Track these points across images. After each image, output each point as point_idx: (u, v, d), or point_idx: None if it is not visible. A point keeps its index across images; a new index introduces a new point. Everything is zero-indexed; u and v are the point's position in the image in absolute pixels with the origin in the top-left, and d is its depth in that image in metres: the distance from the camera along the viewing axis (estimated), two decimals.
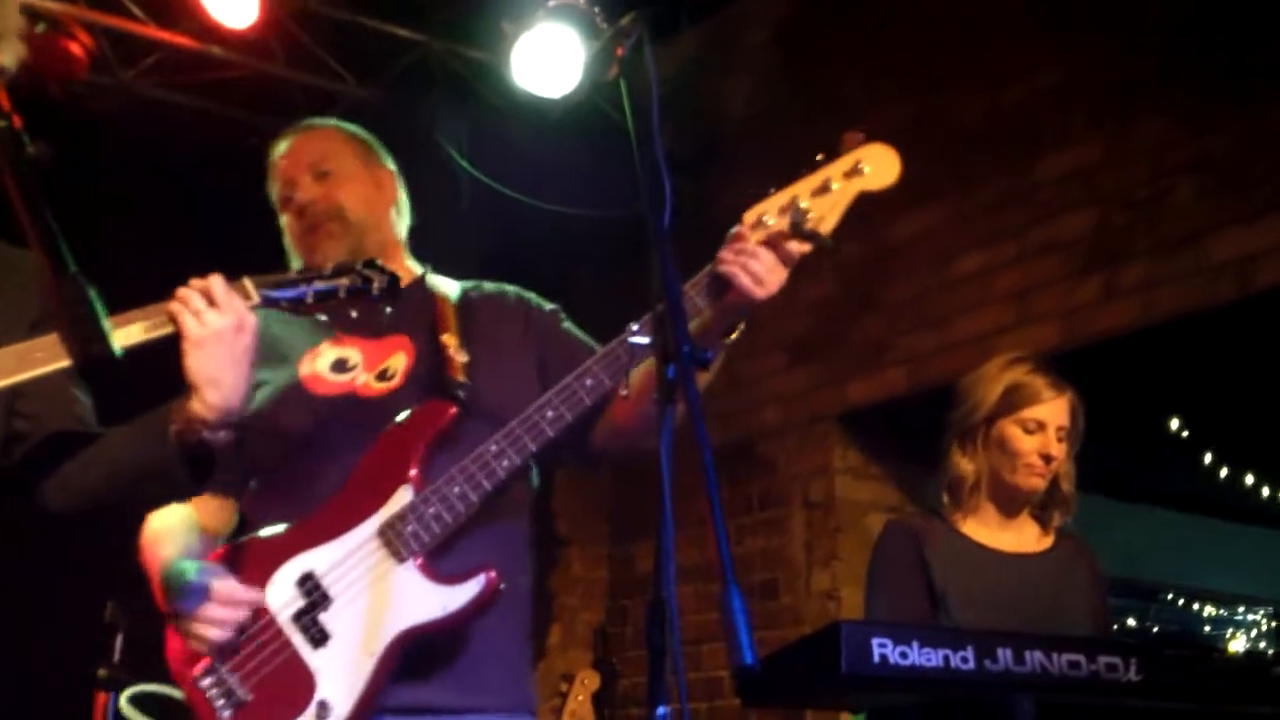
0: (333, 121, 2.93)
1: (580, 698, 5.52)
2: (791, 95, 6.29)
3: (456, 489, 2.44)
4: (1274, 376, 5.91)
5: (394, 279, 2.29)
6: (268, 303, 2.22)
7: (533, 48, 5.21)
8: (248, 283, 2.23)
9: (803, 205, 2.49)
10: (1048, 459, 3.29)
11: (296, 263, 2.75)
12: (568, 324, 2.80)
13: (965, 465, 3.35)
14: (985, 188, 5.42)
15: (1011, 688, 2.46)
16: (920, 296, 5.57)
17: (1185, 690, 2.57)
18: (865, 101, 5.95)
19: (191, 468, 2.20)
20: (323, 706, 2.37)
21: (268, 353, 2.58)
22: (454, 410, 2.53)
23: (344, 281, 2.24)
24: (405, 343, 2.65)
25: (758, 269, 2.42)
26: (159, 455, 2.17)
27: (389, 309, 2.34)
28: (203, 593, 2.37)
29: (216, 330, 2.13)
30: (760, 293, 2.42)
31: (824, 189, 2.51)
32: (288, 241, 2.77)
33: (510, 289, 2.84)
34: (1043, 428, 3.29)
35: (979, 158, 5.45)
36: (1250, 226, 4.54)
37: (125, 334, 2.06)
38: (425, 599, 2.42)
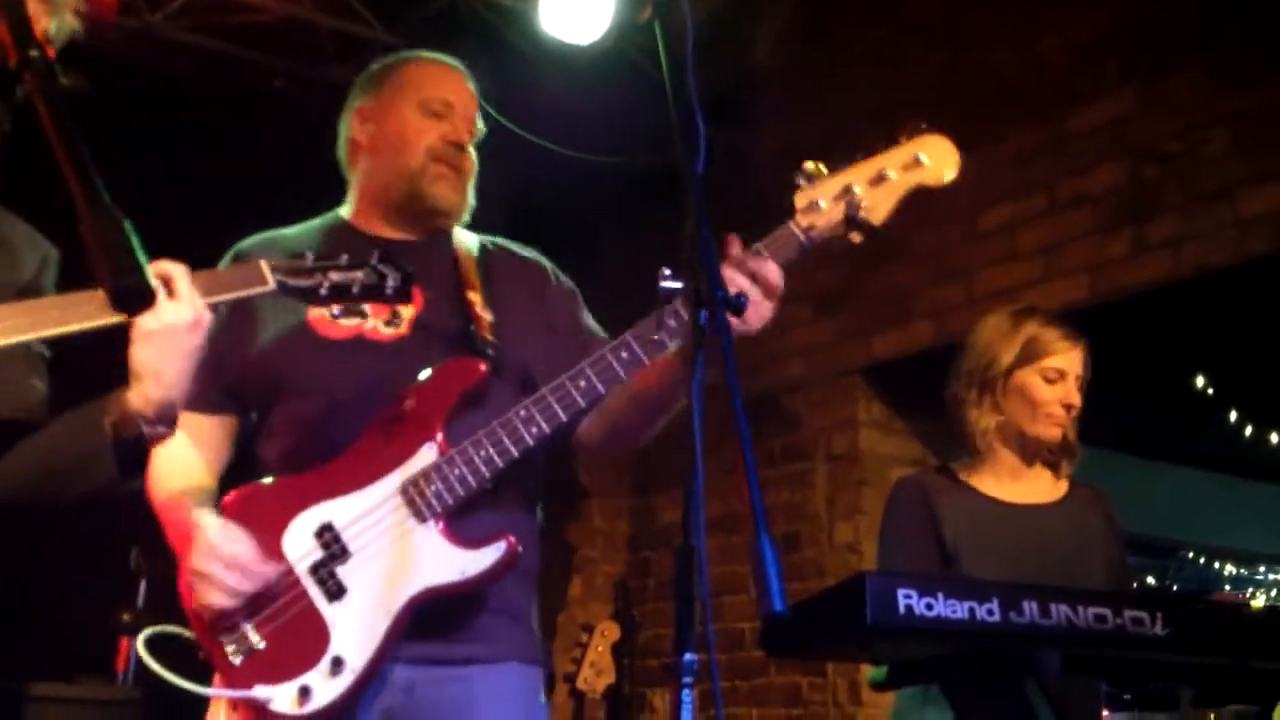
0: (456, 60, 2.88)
1: (600, 649, 5.52)
2: (821, 45, 6.23)
3: (483, 452, 2.42)
4: None
5: (408, 278, 2.25)
6: (283, 290, 2.15)
7: None
8: (264, 266, 2.15)
9: (857, 192, 2.45)
10: (1069, 408, 3.29)
11: (378, 161, 2.71)
12: (585, 310, 2.79)
13: (985, 419, 3.34)
14: (1015, 139, 5.37)
15: (1037, 640, 2.44)
16: (947, 249, 5.53)
17: (1211, 644, 2.56)
18: (895, 51, 5.90)
19: (122, 464, 2.09)
20: (337, 662, 2.37)
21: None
22: (484, 369, 2.53)
23: (359, 276, 2.20)
24: (414, 291, 2.64)
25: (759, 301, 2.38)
26: (91, 447, 2.07)
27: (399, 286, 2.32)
28: (221, 557, 2.36)
29: (171, 324, 2.01)
30: (751, 328, 2.38)
31: (880, 178, 2.47)
32: (416, 142, 2.67)
33: (530, 252, 2.83)
34: (1063, 377, 3.29)
35: (1009, 109, 5.39)
36: None
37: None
38: (445, 562, 2.42)
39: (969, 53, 5.61)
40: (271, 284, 2.13)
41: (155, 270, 2.00)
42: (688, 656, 1.71)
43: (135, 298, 1.65)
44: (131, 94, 4.65)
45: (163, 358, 2.02)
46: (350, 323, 2.57)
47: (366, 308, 2.58)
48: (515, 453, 2.43)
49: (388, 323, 2.58)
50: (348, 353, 2.55)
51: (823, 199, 2.45)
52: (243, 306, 2.33)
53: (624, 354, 2.45)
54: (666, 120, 2.05)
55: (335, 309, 2.57)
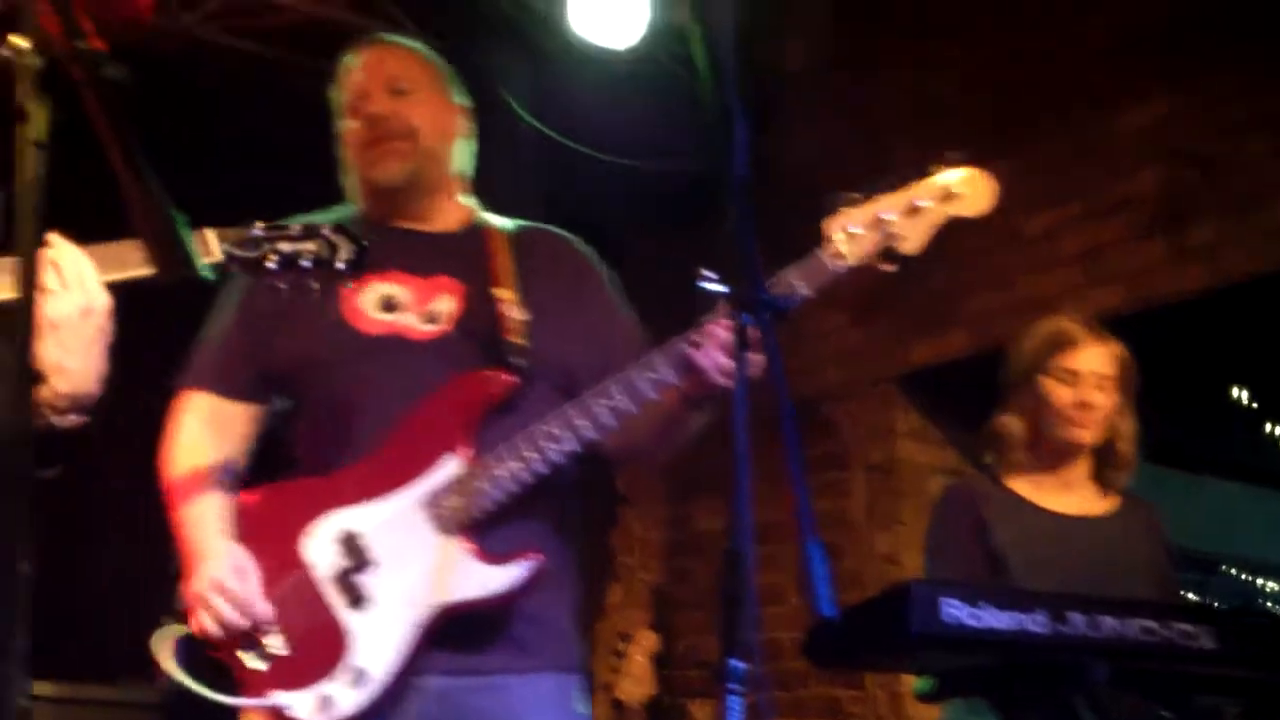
0: (415, 43, 2.83)
1: (638, 658, 5.50)
2: (854, 50, 6.18)
3: (508, 468, 2.38)
4: None
5: (362, 252, 2.16)
6: (229, 260, 2.05)
7: None
8: (209, 234, 2.06)
9: (891, 221, 2.42)
10: (1084, 406, 3.23)
11: (350, 176, 2.68)
12: (616, 294, 2.74)
13: (1010, 423, 3.32)
14: (1052, 144, 5.31)
15: (1086, 652, 2.40)
16: (985, 255, 5.47)
17: (1260, 659, 2.52)
18: (931, 56, 5.85)
19: (39, 451, 2.06)
20: (358, 673, 2.34)
21: None
22: (511, 381, 2.48)
23: (309, 247, 2.12)
24: (453, 285, 2.58)
25: (725, 364, 2.33)
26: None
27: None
28: (225, 591, 2.35)
29: (62, 315, 1.91)
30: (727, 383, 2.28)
31: (914, 209, 2.45)
32: (346, 152, 2.68)
33: (565, 235, 2.76)
34: (1077, 376, 3.24)
35: (1046, 113, 5.34)
36: None
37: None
38: (468, 577, 2.38)
39: (1005, 56, 5.56)
40: (217, 255, 2.04)
41: (51, 259, 1.91)
42: (733, 663, 1.68)
43: (185, 287, 1.62)
44: (165, 94, 4.65)
45: (63, 350, 1.92)
46: (387, 318, 2.54)
47: (405, 302, 2.55)
48: (543, 469, 2.39)
49: (427, 320, 2.55)
50: (382, 349, 2.51)
51: (855, 227, 2.42)
52: (275, 294, 2.29)
53: (651, 374, 2.41)
54: (700, 124, 2.02)
55: (376, 303, 2.54)
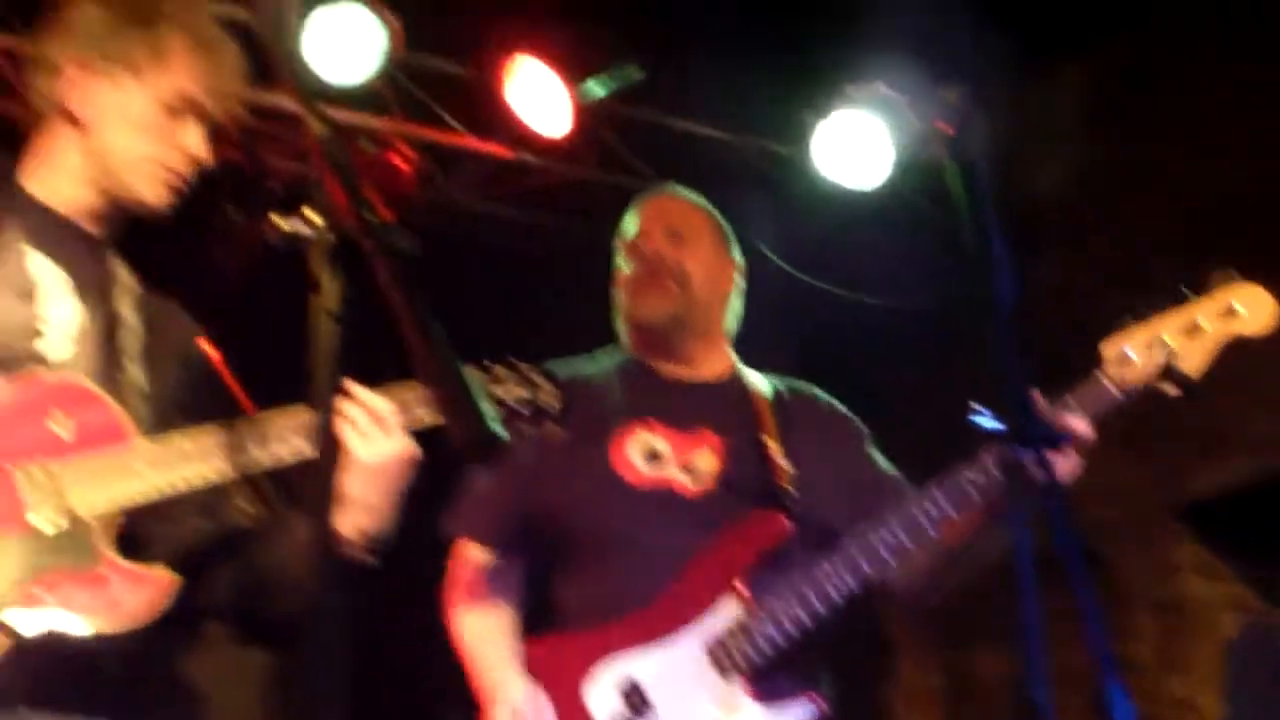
0: (697, 196, 2.93)
1: None
2: (1105, 171, 6.05)
3: (793, 612, 2.39)
4: None
5: (561, 392, 2.17)
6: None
7: (836, 137, 5.15)
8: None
9: (1169, 343, 2.39)
10: None
11: (619, 315, 2.76)
12: (874, 450, 2.74)
13: None
14: None
15: None
16: (1262, 374, 5.20)
17: None
18: (1186, 174, 5.67)
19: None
20: None
21: (582, 420, 2.59)
22: (786, 525, 2.49)
23: (519, 392, 2.14)
24: (713, 439, 2.62)
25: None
26: (295, 568, 2.05)
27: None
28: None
29: (381, 458, 2.00)
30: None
31: (1194, 329, 2.42)
32: (618, 291, 2.77)
33: (821, 395, 2.79)
34: None
35: None
36: None
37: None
38: None
39: (1270, 167, 5.34)
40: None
41: (371, 405, 2.02)
42: None
43: (484, 446, 1.65)
44: (432, 264, 4.83)
45: (378, 492, 2.03)
46: (656, 473, 2.57)
47: (669, 456, 2.58)
48: (822, 610, 2.39)
49: (687, 472, 2.57)
50: (655, 504, 2.55)
51: (1133, 349, 2.39)
52: (542, 444, 2.34)
53: (931, 509, 2.38)
54: (952, 258, 1.99)
55: (641, 455, 2.57)
